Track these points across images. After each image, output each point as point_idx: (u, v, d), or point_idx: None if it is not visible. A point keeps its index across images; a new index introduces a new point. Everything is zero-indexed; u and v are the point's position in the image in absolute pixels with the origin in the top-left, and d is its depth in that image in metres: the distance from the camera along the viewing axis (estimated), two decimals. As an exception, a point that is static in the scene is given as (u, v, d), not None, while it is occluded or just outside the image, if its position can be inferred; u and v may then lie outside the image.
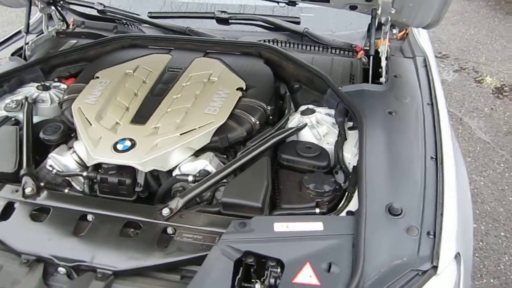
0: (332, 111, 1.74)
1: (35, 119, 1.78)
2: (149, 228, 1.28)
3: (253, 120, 1.64)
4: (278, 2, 1.98)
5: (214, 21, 2.33)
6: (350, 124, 1.64)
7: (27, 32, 2.15)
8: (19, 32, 2.42)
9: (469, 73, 4.65)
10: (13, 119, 1.77)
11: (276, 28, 2.23)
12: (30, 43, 2.21)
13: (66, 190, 1.51)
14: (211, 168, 1.49)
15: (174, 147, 1.49)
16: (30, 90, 1.93)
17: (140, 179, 1.48)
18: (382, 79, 1.85)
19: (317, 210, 1.32)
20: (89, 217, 1.33)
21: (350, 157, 1.52)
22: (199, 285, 1.11)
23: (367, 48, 2.05)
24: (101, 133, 1.56)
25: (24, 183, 1.42)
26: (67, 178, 1.56)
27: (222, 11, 2.28)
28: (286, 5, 2.17)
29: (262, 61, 1.98)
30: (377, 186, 1.32)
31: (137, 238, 1.27)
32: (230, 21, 2.28)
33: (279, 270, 1.14)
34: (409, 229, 1.21)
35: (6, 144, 1.57)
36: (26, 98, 1.83)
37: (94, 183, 1.52)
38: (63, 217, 1.33)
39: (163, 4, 2.49)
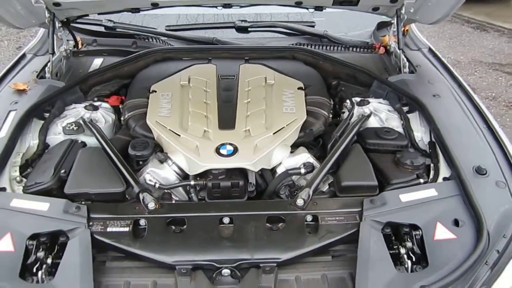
0: (381, 100, 1.96)
1: (91, 140, 1.72)
2: (292, 219, 1.37)
3: (326, 114, 1.80)
4: (307, 8, 2.16)
5: (228, 30, 2.44)
6: (406, 108, 1.88)
7: (53, 53, 2.04)
8: (24, 55, 2.27)
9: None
10: (79, 141, 1.69)
11: (296, 32, 2.40)
12: (48, 65, 2.09)
13: (173, 201, 1.52)
14: (312, 160, 1.61)
15: (275, 146, 1.59)
16: (79, 111, 1.85)
17: (252, 179, 1.55)
18: (406, 70, 2.12)
19: (421, 181, 1.52)
20: (225, 220, 1.37)
21: (420, 135, 1.75)
22: (366, 256, 1.25)
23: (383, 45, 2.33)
24: (196, 141, 1.59)
25: (143, 198, 1.41)
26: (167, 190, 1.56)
27: (242, 20, 2.40)
28: (300, 11, 2.38)
29: (301, 62, 2.14)
30: (458, 153, 1.56)
31: (285, 230, 1.34)
32: (249, 29, 2.41)
33: (420, 232, 1.32)
34: (497, 183, 1.46)
35: (98, 166, 1.52)
36: (84, 120, 1.76)
37: (200, 190, 1.55)
38: (202, 224, 1.35)
39: (178, 17, 2.51)
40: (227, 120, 1.71)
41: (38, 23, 2.11)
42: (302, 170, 1.54)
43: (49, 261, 1.26)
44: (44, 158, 1.61)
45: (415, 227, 1.34)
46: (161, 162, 1.59)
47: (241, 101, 1.81)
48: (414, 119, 1.81)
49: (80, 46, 2.37)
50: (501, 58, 5.31)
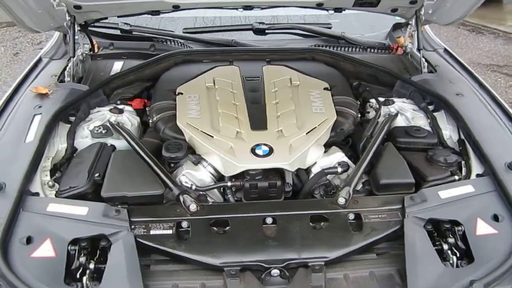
0: (404, 100, 1.98)
1: (120, 143, 1.71)
2: (335, 217, 1.37)
3: (355, 114, 1.81)
4: (327, 10, 2.17)
5: (246, 32, 2.44)
6: (431, 107, 1.89)
7: (73, 55, 2.02)
8: (40, 59, 2.24)
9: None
10: (109, 145, 1.67)
11: (314, 34, 2.41)
12: (67, 69, 2.06)
13: (210, 202, 1.51)
14: (346, 159, 1.61)
15: (309, 145, 1.59)
16: (104, 114, 1.83)
17: (289, 179, 1.54)
18: (425, 70, 2.14)
19: (456, 177, 1.53)
20: (268, 220, 1.36)
21: (448, 133, 1.76)
22: (413, 252, 1.25)
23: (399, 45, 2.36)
24: (230, 143, 1.58)
25: (183, 200, 1.39)
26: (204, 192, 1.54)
27: (260, 22, 2.41)
28: (315, 13, 2.40)
29: (322, 63, 2.15)
30: (489, 150, 1.57)
31: (329, 228, 1.34)
32: (267, 31, 2.42)
33: (462, 228, 1.33)
34: None
35: (134, 168, 1.50)
36: (111, 123, 1.74)
37: (236, 191, 1.54)
38: (245, 224, 1.34)
39: (195, 20, 2.50)
40: (257, 121, 1.70)
41: (56, 26, 2.09)
42: (339, 169, 1.55)
43: (91, 266, 1.24)
44: (74, 162, 1.58)
45: (456, 223, 1.35)
46: (195, 163, 1.58)
47: (269, 102, 1.81)
48: (440, 117, 1.83)
49: (96, 49, 2.35)
50: (498, 60, 5.40)
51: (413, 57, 2.27)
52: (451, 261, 1.28)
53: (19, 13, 1.92)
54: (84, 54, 2.27)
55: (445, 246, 1.31)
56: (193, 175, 1.53)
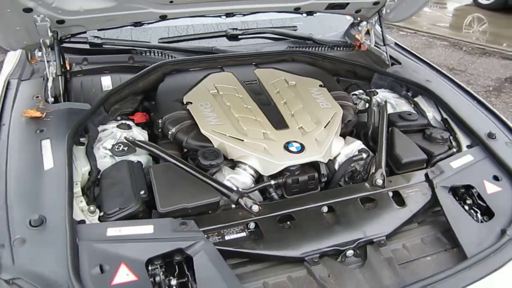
0: (383, 90, 2.23)
1: (141, 158, 1.67)
2: (380, 197, 1.53)
3: (354, 105, 1.99)
4: (301, 13, 2.33)
5: (219, 38, 2.50)
6: (409, 93, 2.17)
7: (61, 74, 1.87)
8: (9, 83, 2.01)
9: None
10: (135, 161, 1.61)
11: (284, 37, 2.56)
12: (49, 88, 1.90)
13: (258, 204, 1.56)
14: (364, 146, 1.79)
15: (332, 138, 1.73)
16: (113, 132, 1.75)
17: (323, 171, 1.66)
18: (387, 62, 2.43)
19: (454, 150, 1.81)
20: (325, 209, 1.48)
21: (431, 115, 2.05)
22: (452, 215, 1.48)
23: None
24: (262, 144, 1.65)
25: (245, 203, 1.44)
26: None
27: (234, 29, 2.48)
28: (281, 17, 2.56)
29: (302, 63, 2.31)
30: (469, 124, 1.88)
31: (379, 207, 1.50)
32: (239, 37, 2.50)
33: (476, 190, 1.59)
34: (506, 144, 1.81)
35: (180, 180, 1.49)
36: (131, 140, 1.68)
37: (277, 188, 1.61)
38: (307, 216, 1.44)
39: (168, 30, 2.46)
40: (275, 120, 1.79)
41: (30, 43, 1.90)
42: (364, 155, 1.72)
43: (173, 282, 1.22)
44: (107, 183, 1.50)
45: (470, 186, 1.61)
46: (232, 168, 1.61)
47: (278, 102, 1.90)
48: (420, 101, 2.11)
49: (68, 66, 2.18)
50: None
51: (372, 52, 2.55)
52: (475, 218, 1.53)
53: None
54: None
55: (466, 207, 1.57)
56: (236, 179, 1.57)
